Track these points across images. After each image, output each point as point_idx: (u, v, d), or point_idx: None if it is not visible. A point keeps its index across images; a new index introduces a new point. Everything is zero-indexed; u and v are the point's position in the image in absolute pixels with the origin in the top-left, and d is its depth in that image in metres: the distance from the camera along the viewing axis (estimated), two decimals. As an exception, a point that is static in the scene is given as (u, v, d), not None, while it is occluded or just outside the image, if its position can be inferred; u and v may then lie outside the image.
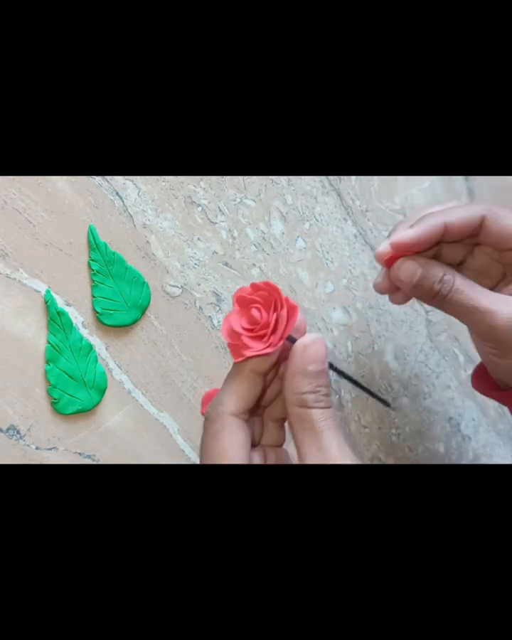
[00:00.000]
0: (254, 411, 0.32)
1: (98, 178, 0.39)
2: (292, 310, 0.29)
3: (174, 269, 0.42)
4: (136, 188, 0.40)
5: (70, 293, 0.39)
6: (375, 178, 0.49)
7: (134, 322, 0.40)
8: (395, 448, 0.51)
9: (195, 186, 0.42)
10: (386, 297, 0.39)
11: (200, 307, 0.43)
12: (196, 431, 0.43)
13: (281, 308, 0.29)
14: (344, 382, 0.48)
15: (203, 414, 0.43)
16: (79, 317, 0.39)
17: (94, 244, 0.39)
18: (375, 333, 0.50)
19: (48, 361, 0.38)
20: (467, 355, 0.54)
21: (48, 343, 0.38)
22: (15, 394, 0.37)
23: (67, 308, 0.39)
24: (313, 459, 0.28)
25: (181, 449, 0.43)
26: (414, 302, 0.50)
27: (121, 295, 0.40)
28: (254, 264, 0.44)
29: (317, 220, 0.47)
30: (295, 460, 0.30)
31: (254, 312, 0.30)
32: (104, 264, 0.39)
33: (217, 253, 0.43)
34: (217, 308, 0.43)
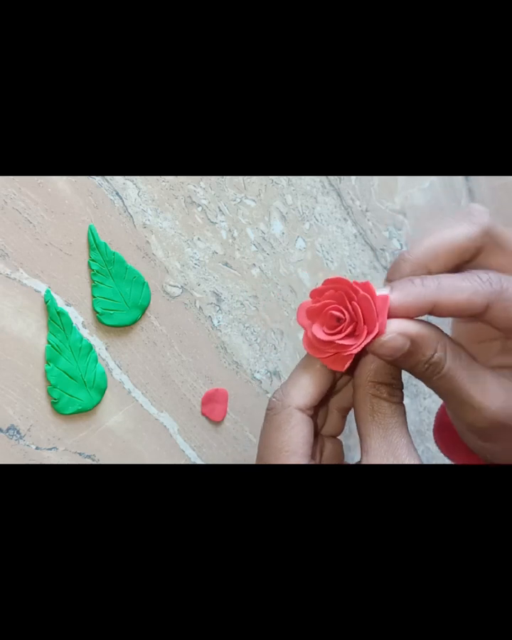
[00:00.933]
0: (322, 404, 0.31)
1: (98, 178, 0.39)
2: (369, 290, 0.27)
3: (174, 269, 0.42)
4: (136, 188, 0.40)
5: (70, 293, 0.39)
6: (375, 178, 0.49)
7: (134, 322, 0.40)
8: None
9: (195, 186, 0.42)
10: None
11: (200, 307, 0.43)
12: (196, 431, 0.43)
13: (356, 293, 0.27)
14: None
15: (203, 414, 0.43)
16: (79, 317, 0.39)
17: (94, 244, 0.39)
18: (375, 333, 0.50)
19: (48, 361, 0.38)
20: (467, 355, 0.54)
21: (48, 343, 0.38)
22: (15, 394, 0.37)
23: (67, 308, 0.39)
24: (379, 454, 0.28)
25: (181, 449, 0.43)
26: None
27: (121, 295, 0.40)
28: (254, 264, 0.44)
29: (317, 220, 0.47)
30: (352, 451, 0.30)
31: (332, 312, 0.28)
32: (104, 264, 0.39)
33: (217, 253, 0.43)
34: (217, 308, 0.43)
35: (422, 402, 0.52)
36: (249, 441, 0.45)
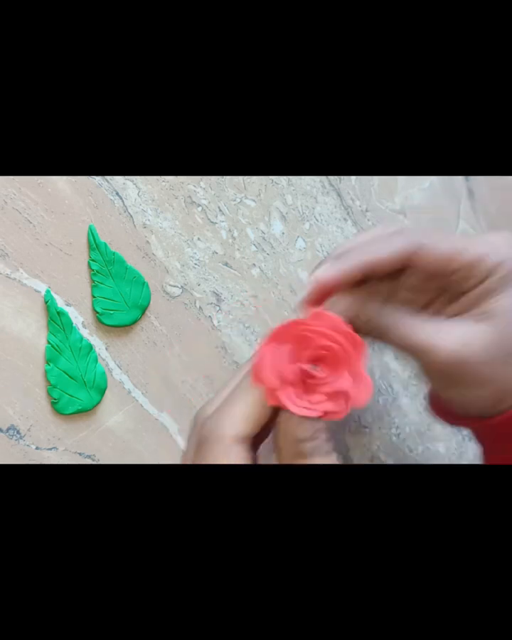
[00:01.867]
0: (261, 436, 0.30)
1: (98, 178, 0.39)
2: (365, 384, 0.27)
3: (174, 269, 0.42)
4: (136, 188, 0.40)
5: (70, 293, 0.39)
6: (375, 178, 0.49)
7: (134, 322, 0.40)
8: (395, 448, 0.51)
9: (195, 186, 0.42)
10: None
11: (200, 307, 0.43)
12: (196, 431, 0.43)
13: (348, 370, 0.27)
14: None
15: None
16: (79, 317, 0.39)
17: (94, 244, 0.39)
18: (375, 333, 0.50)
19: (48, 361, 0.38)
20: (467, 355, 0.54)
21: (48, 343, 0.38)
22: (15, 394, 0.37)
23: (67, 308, 0.39)
24: None
25: (181, 449, 0.43)
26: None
27: (121, 295, 0.40)
28: (254, 264, 0.44)
29: (317, 220, 0.47)
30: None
31: (319, 365, 0.27)
32: (104, 264, 0.39)
33: (217, 253, 0.43)
34: (217, 308, 0.43)
35: (422, 402, 0.52)
36: (249, 441, 0.45)
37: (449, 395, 0.32)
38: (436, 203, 0.51)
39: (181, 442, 0.43)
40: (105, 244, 0.39)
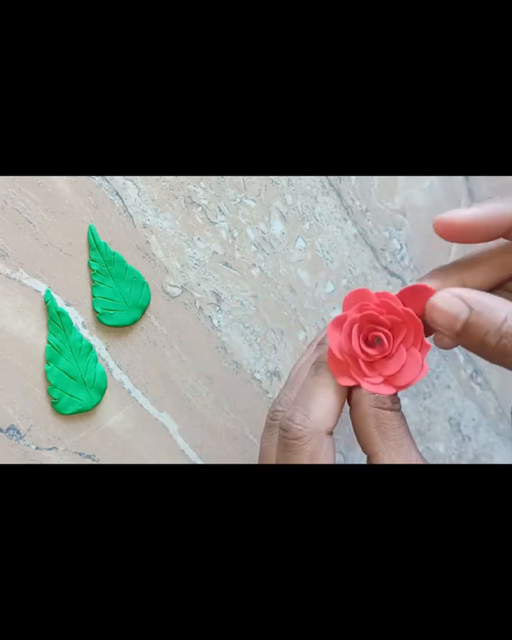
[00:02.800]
0: None
1: (98, 178, 0.39)
2: (424, 349, 0.26)
3: (174, 269, 0.42)
4: (136, 188, 0.40)
5: (70, 293, 0.39)
6: (375, 178, 0.49)
7: (134, 322, 0.40)
8: (395, 448, 0.51)
9: (195, 186, 0.42)
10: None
11: (200, 307, 0.43)
12: (196, 431, 0.43)
13: (414, 345, 0.26)
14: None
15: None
16: (79, 317, 0.39)
17: (94, 244, 0.39)
18: (375, 333, 0.49)
19: (48, 361, 0.38)
20: (467, 354, 0.54)
21: (48, 343, 0.38)
22: (15, 394, 0.37)
23: (67, 308, 0.39)
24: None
25: (181, 449, 0.43)
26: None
27: (121, 295, 0.40)
28: (254, 264, 0.44)
29: (317, 220, 0.47)
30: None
31: (383, 338, 0.27)
32: (104, 264, 0.39)
33: (217, 253, 0.43)
34: (217, 308, 0.43)
35: (422, 402, 0.52)
36: (249, 441, 0.45)
37: None
38: (437, 203, 0.51)
39: (181, 442, 0.43)
40: (105, 244, 0.39)
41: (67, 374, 0.38)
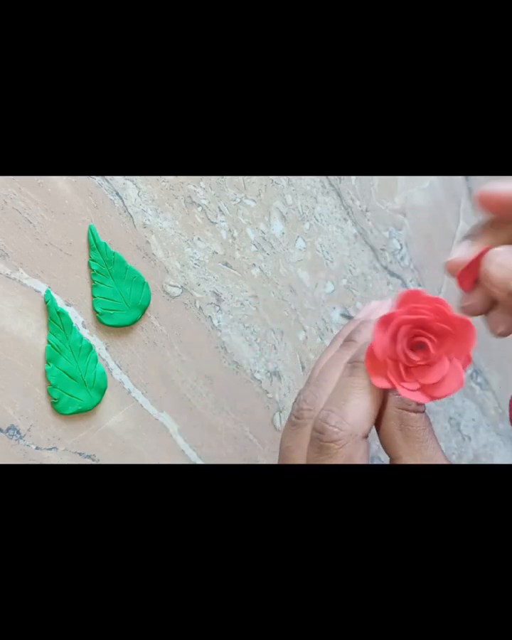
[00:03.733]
0: None
1: (98, 178, 0.39)
2: (466, 362, 0.26)
3: (174, 269, 0.42)
4: (136, 188, 0.40)
5: (70, 293, 0.39)
6: (375, 178, 0.49)
7: (134, 322, 0.40)
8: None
9: (195, 186, 0.42)
10: (386, 297, 0.39)
11: (200, 307, 0.43)
12: (196, 431, 0.43)
13: (458, 357, 0.26)
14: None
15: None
16: (79, 317, 0.39)
17: (94, 244, 0.39)
18: (375, 333, 0.50)
19: (48, 361, 0.38)
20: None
21: (48, 343, 0.38)
22: (15, 394, 0.37)
23: (67, 308, 0.39)
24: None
25: (181, 449, 0.43)
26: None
27: (121, 295, 0.40)
28: (254, 264, 0.44)
29: (317, 220, 0.47)
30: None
31: (428, 345, 0.26)
32: (104, 264, 0.39)
33: (217, 253, 0.43)
34: (217, 308, 0.43)
35: (422, 402, 0.52)
36: (250, 442, 0.45)
37: None
38: (437, 203, 0.51)
39: (181, 442, 0.43)
40: (105, 244, 0.39)
41: (67, 374, 0.38)
